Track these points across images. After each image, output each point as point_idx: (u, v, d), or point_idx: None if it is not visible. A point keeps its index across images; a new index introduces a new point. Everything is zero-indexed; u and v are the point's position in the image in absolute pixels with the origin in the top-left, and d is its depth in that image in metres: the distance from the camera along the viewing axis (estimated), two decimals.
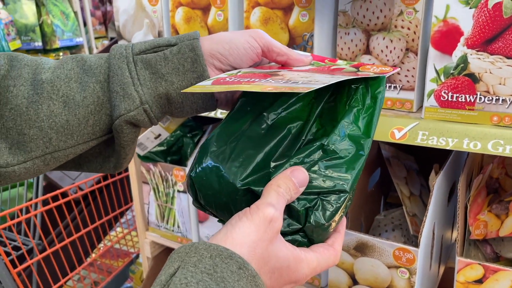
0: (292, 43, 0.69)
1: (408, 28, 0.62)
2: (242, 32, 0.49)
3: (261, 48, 0.49)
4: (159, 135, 0.96)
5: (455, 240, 0.84)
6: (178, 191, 0.94)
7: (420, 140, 0.61)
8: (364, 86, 0.48)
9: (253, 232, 0.38)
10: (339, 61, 0.54)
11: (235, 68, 0.49)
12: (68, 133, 0.45)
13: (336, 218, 0.44)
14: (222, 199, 0.45)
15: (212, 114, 0.82)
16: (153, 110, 0.46)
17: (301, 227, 0.43)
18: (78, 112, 0.45)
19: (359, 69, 0.50)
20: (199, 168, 0.46)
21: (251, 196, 0.44)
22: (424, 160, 0.99)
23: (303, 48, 0.69)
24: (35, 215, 1.19)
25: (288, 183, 0.41)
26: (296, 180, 0.42)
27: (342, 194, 0.43)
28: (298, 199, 0.43)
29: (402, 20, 0.62)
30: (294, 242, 0.43)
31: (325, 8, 0.67)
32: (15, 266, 1.13)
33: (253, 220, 0.38)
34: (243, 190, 0.44)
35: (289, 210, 0.43)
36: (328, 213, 0.43)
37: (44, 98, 0.44)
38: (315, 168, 0.44)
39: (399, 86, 0.66)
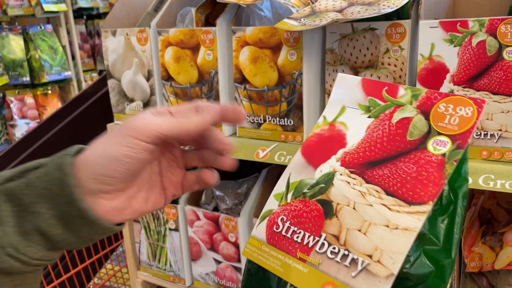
0: (281, 81, 0.70)
1: (395, 65, 0.64)
2: (120, 137, 0.37)
3: (152, 145, 0.37)
4: None
5: None
6: (170, 229, 0.93)
7: None
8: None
9: None
10: (401, 91, 0.40)
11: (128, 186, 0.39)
12: None
13: None
14: None
15: None
16: (24, 251, 0.36)
17: None
18: None
19: (431, 120, 0.37)
20: None
21: None
22: None
23: (292, 86, 0.69)
24: None
25: None
26: None
27: None
28: None
29: (389, 58, 0.64)
30: None
31: (312, 46, 0.68)
32: None
33: None
34: None
35: None
36: None
37: None
38: None
39: None
